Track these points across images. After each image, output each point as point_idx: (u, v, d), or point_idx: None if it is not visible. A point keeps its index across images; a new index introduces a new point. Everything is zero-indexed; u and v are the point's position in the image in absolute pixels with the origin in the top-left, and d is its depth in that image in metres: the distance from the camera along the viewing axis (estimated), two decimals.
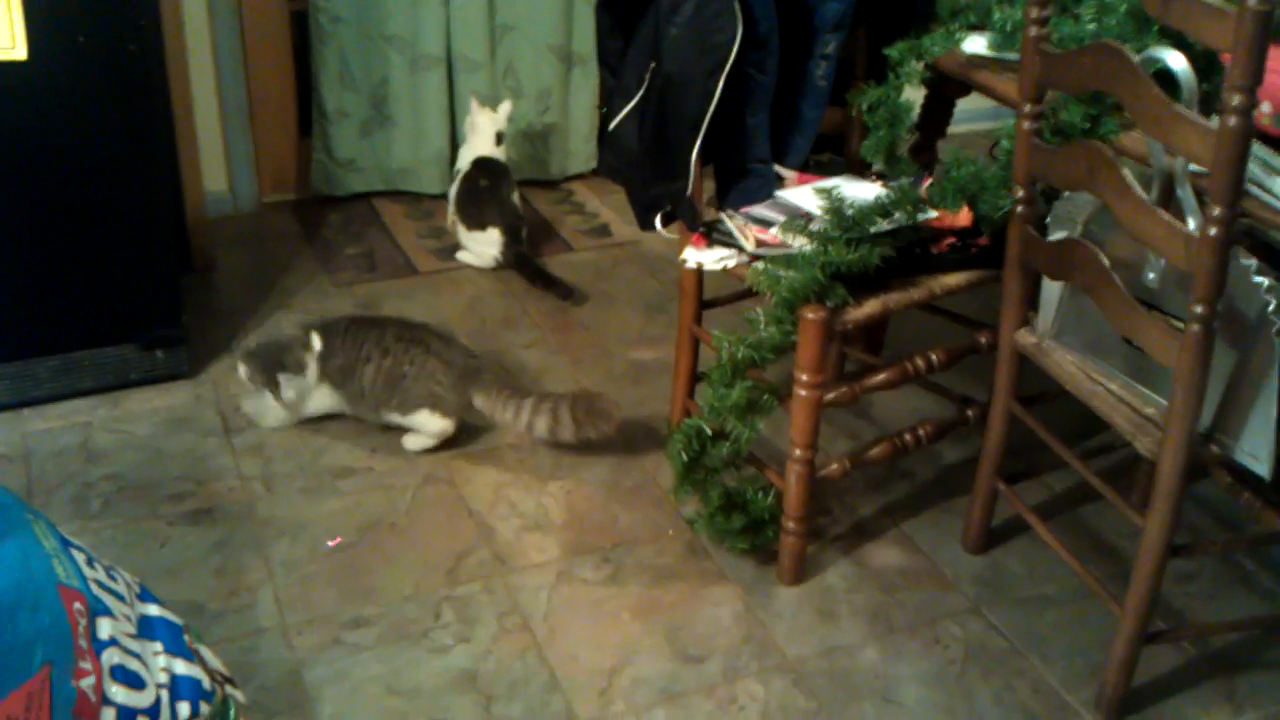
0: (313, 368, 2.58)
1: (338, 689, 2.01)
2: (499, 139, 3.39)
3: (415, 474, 2.54)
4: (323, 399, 2.63)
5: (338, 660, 2.07)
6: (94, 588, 1.45)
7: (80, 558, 1.50)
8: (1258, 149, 1.87)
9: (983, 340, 2.35)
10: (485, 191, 3.33)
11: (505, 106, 3.42)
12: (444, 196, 3.62)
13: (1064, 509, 2.49)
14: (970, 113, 3.90)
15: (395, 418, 2.58)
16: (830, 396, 2.19)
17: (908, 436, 2.32)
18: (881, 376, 2.28)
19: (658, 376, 2.88)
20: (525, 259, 3.33)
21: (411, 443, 2.60)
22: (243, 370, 2.60)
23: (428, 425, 2.57)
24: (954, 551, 2.37)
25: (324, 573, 2.26)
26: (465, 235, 3.36)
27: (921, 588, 2.28)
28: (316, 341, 2.57)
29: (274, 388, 2.56)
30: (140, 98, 2.56)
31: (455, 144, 3.72)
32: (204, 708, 1.44)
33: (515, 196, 3.37)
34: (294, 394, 2.59)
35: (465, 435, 2.66)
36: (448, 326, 3.08)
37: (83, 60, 2.44)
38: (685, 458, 2.24)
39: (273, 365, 2.56)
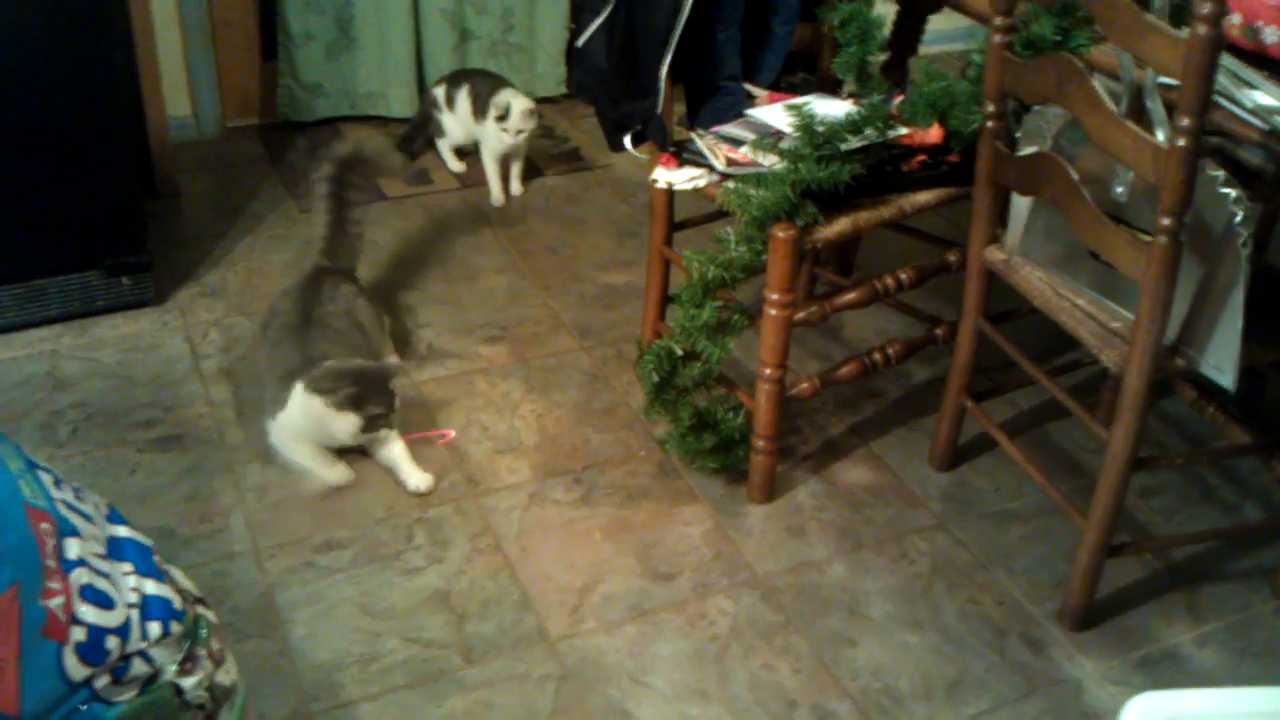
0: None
1: (310, 611, 2.02)
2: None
3: None
4: None
5: (310, 583, 2.08)
6: (61, 508, 1.44)
7: (47, 479, 1.49)
8: (1227, 61, 1.87)
9: (952, 259, 2.35)
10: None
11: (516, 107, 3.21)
12: (411, 119, 3.58)
13: (1030, 426, 2.51)
14: (943, 33, 3.87)
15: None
16: (800, 315, 2.19)
17: (877, 356, 2.32)
18: (851, 295, 2.28)
19: (629, 300, 2.87)
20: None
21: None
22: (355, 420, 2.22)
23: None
24: (921, 469, 2.39)
25: (295, 498, 2.26)
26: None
27: (889, 505, 2.30)
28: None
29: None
30: (99, 19, 2.50)
31: (422, 65, 3.66)
32: (175, 627, 1.43)
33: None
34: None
35: (435, 360, 2.66)
36: (408, 252, 3.06)
37: None
38: (656, 378, 2.24)
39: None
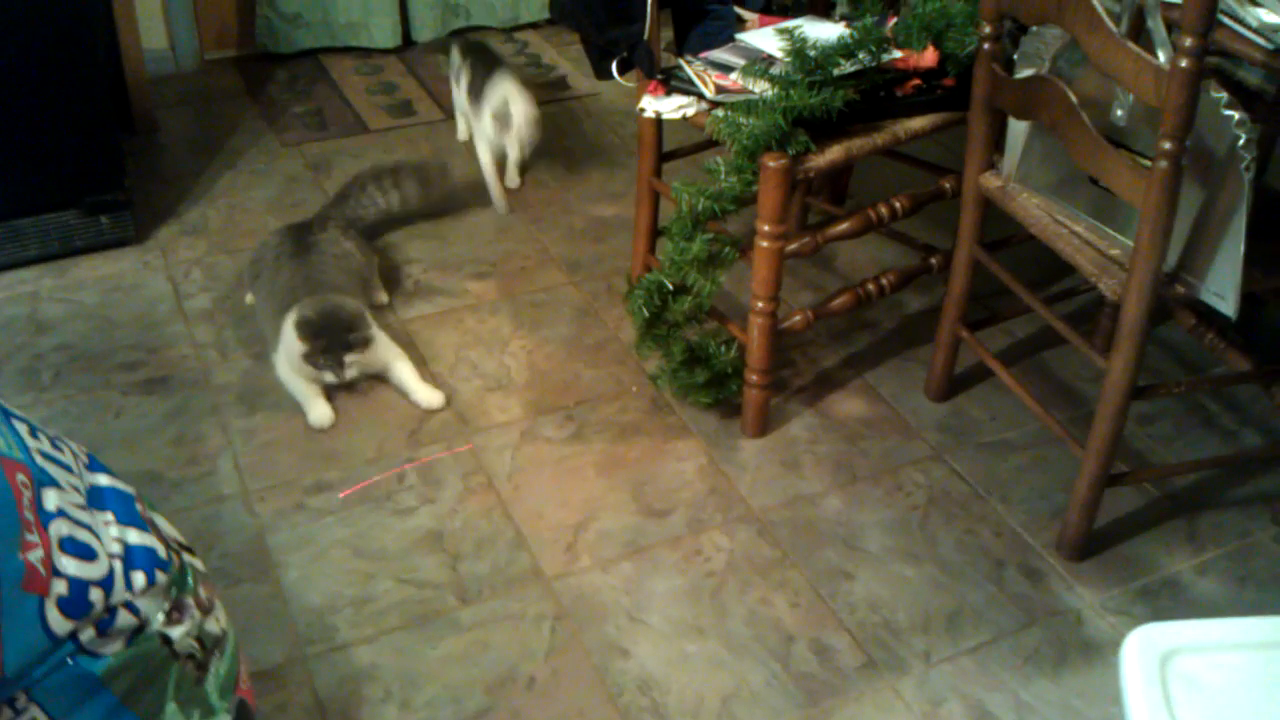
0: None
1: (302, 554, 2.00)
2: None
3: None
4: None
5: (301, 525, 2.05)
6: (38, 458, 1.41)
7: (22, 428, 1.45)
8: None
9: (947, 186, 2.30)
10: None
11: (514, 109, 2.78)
12: (395, 51, 3.51)
13: (1026, 355, 2.48)
14: None
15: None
16: (792, 247, 2.15)
17: (870, 286, 2.28)
18: (844, 225, 2.24)
19: (618, 233, 2.82)
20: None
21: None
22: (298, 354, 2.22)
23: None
24: (917, 400, 2.36)
25: (284, 439, 2.23)
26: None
27: (884, 437, 2.28)
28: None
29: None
30: None
31: None
32: (160, 576, 1.40)
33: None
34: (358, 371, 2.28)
35: (422, 297, 2.61)
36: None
37: None
38: (647, 313, 2.20)
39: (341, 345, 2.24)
